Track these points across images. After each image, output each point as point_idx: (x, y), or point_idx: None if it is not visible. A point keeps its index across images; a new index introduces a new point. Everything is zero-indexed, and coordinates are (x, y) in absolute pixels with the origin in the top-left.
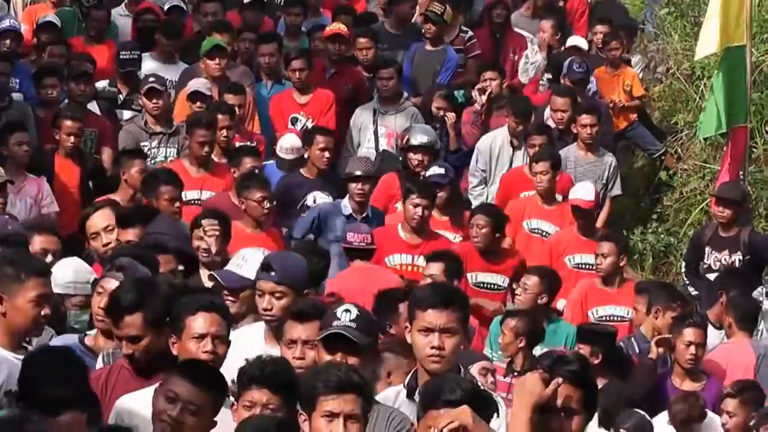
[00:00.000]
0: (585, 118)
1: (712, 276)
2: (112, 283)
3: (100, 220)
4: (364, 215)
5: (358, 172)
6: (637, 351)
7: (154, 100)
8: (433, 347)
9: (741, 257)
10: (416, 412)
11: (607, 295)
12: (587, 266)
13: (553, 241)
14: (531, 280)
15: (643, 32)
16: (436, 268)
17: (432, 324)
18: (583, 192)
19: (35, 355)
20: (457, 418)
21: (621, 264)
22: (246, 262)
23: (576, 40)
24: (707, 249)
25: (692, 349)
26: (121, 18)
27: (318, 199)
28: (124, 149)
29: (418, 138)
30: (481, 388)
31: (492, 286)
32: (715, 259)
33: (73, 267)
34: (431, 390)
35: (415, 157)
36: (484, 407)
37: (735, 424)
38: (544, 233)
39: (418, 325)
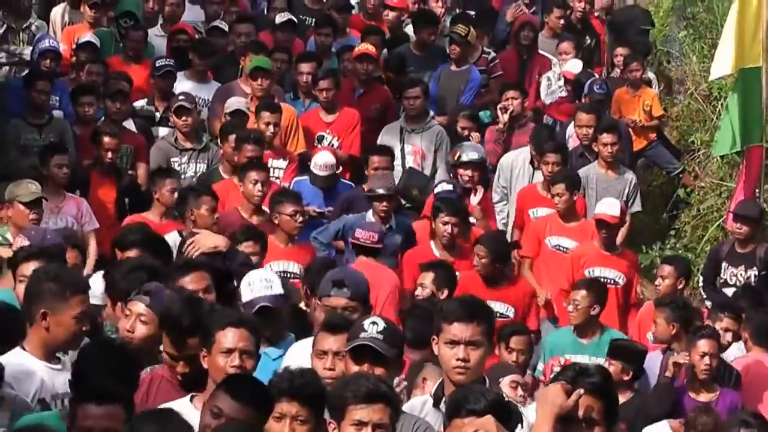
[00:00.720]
0: (606, 137)
1: (728, 290)
2: (139, 306)
3: None
4: (388, 226)
5: (381, 191)
6: None
7: (184, 118)
8: (458, 359)
9: (756, 272)
10: (442, 422)
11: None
12: (606, 281)
13: (575, 254)
14: (579, 294)
15: (668, 53)
16: (427, 278)
17: (458, 336)
18: (609, 207)
19: (92, 346)
20: (482, 427)
21: (680, 286)
22: (271, 282)
23: (569, 66)
24: (724, 264)
25: (707, 359)
26: (157, 38)
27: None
28: (158, 168)
29: (469, 155)
30: (505, 399)
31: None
32: (731, 274)
33: None
34: (457, 400)
35: (465, 173)
36: (508, 418)
37: None
38: (565, 250)
39: (445, 337)
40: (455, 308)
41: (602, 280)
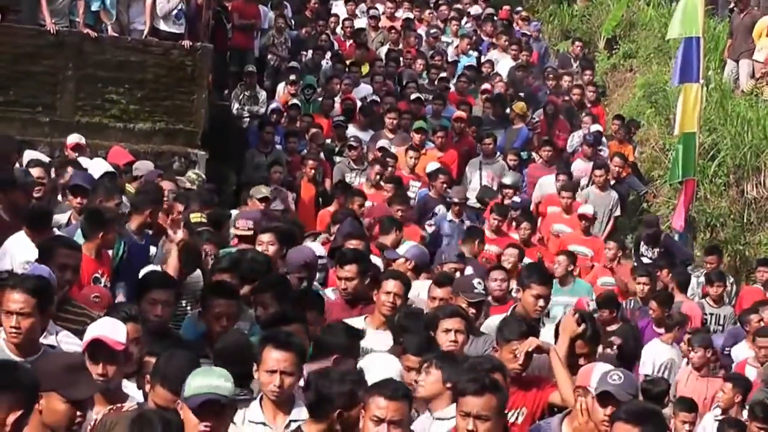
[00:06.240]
0: (598, 171)
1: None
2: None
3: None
4: (460, 219)
5: (455, 199)
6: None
7: (353, 152)
8: (539, 305)
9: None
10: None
11: (608, 272)
12: (581, 254)
13: (563, 237)
14: (562, 257)
15: (640, 122)
16: (512, 253)
17: (540, 293)
18: (588, 208)
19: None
20: (533, 342)
21: (619, 255)
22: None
23: (593, 128)
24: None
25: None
26: (337, 104)
27: (442, 210)
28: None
29: (507, 180)
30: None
31: None
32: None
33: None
34: (511, 328)
35: (504, 191)
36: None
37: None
38: (562, 233)
39: (530, 293)
40: (538, 275)
41: (578, 254)
